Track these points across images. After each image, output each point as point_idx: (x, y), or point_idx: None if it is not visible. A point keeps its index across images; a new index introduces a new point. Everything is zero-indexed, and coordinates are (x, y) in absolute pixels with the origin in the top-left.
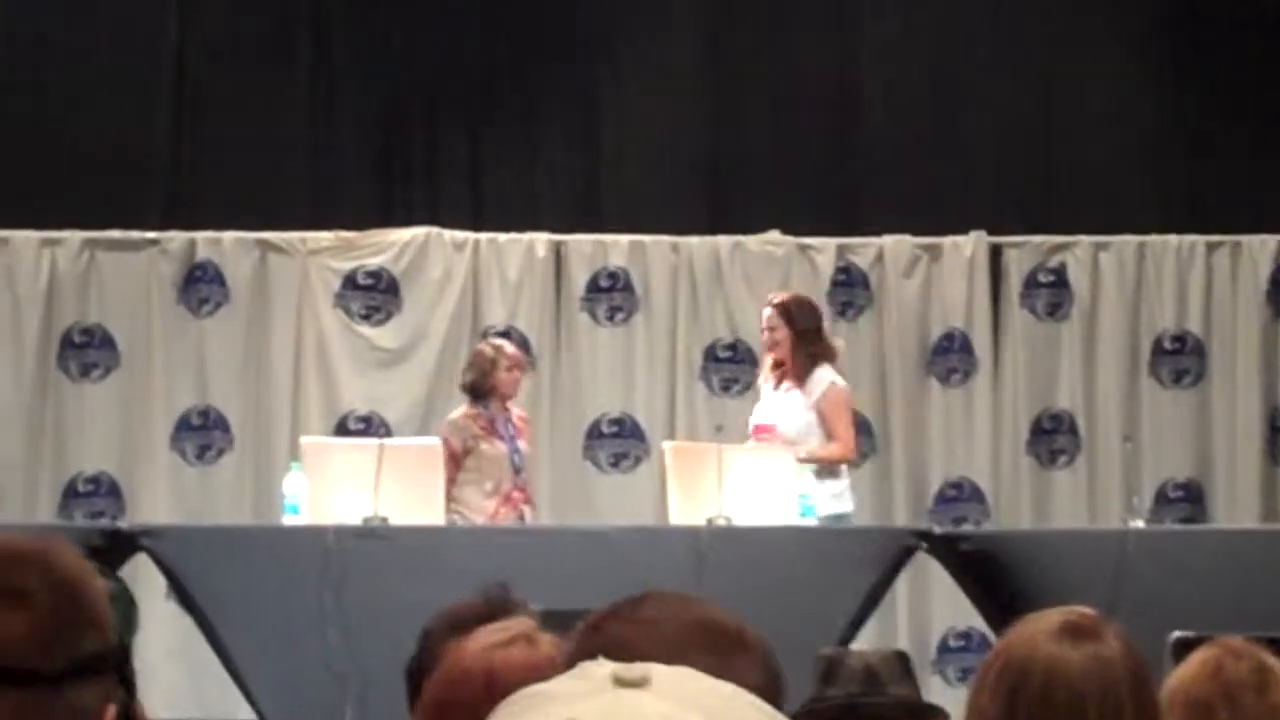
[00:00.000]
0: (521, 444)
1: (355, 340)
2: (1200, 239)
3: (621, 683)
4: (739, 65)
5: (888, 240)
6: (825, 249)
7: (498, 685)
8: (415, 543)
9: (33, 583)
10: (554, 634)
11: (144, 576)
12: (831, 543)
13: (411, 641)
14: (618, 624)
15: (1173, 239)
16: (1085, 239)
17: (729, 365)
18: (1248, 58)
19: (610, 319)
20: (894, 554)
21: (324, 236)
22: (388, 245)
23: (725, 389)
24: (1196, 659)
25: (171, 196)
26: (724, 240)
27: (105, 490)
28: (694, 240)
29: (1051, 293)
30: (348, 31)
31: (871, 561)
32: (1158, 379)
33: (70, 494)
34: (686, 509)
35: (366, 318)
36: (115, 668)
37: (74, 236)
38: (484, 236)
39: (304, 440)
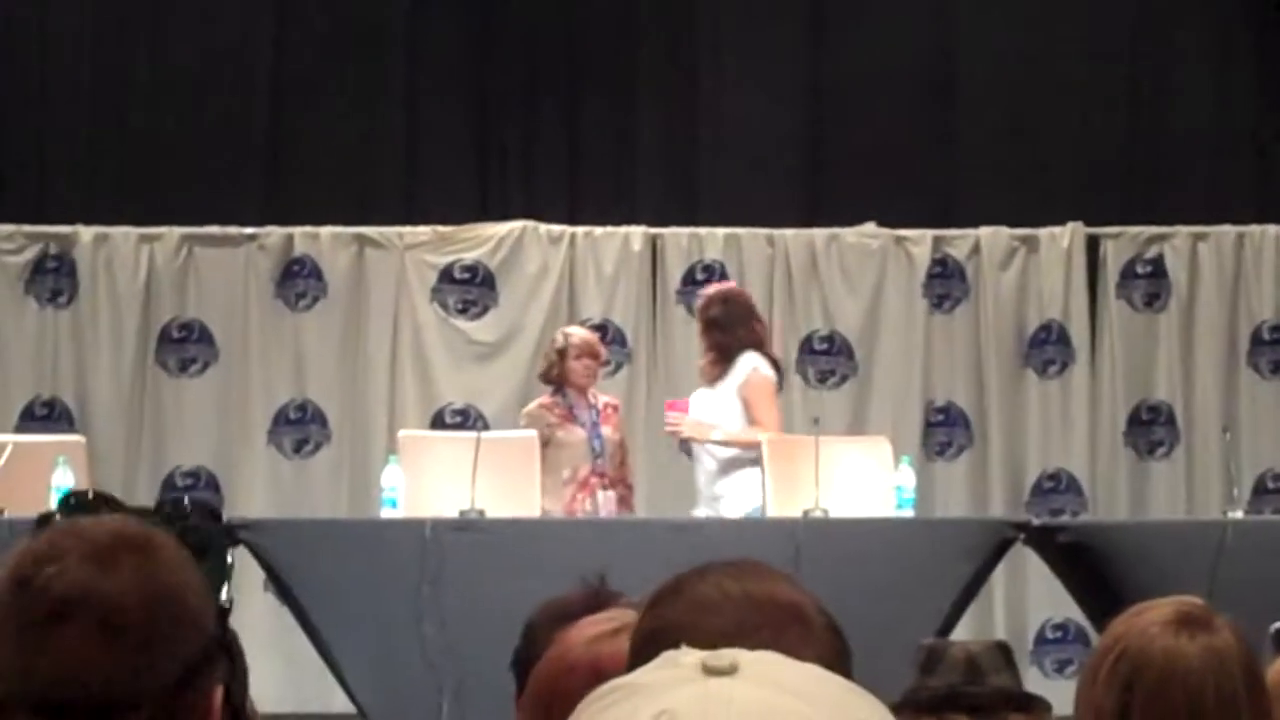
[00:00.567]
0: (606, 430)
1: (452, 334)
2: None
3: (710, 671)
4: (835, 57)
5: (984, 232)
6: (921, 241)
7: (604, 677)
8: (512, 535)
9: (130, 602)
10: None
11: (242, 569)
12: (929, 534)
13: (508, 634)
14: (671, 607)
15: (1272, 228)
16: (1183, 229)
17: (825, 357)
18: None
19: None
20: (992, 545)
21: (421, 231)
22: (484, 239)
23: (821, 381)
24: None
25: (269, 191)
26: (819, 233)
27: (204, 484)
28: (789, 233)
29: (1149, 283)
30: (443, 26)
31: (969, 553)
32: (1256, 369)
33: (169, 488)
34: (783, 500)
35: (463, 311)
36: (218, 642)
37: (172, 232)
38: (580, 230)
39: (401, 434)
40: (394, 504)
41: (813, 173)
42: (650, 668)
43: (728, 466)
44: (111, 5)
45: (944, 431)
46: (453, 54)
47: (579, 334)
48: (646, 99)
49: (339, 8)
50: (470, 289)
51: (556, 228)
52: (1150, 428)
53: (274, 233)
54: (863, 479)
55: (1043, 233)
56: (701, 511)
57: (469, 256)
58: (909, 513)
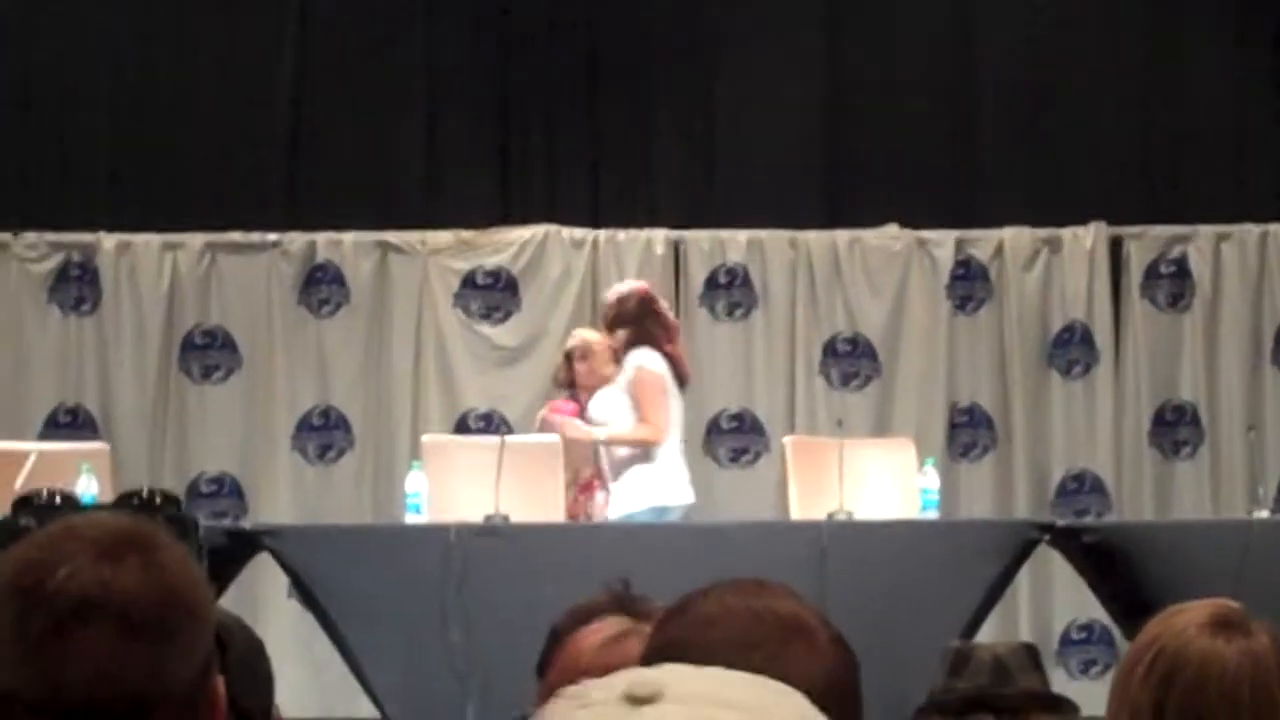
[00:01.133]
0: None
1: (475, 339)
2: None
3: (635, 700)
4: (855, 58)
5: (1007, 232)
6: (944, 242)
7: None
8: (537, 540)
9: (146, 599)
10: None
11: (267, 575)
12: (954, 536)
13: (533, 639)
14: (677, 624)
15: None
16: (1206, 228)
17: (849, 359)
18: None
19: (730, 315)
20: (1017, 546)
21: (443, 236)
22: (506, 244)
23: (845, 383)
24: None
25: (291, 196)
26: (842, 235)
27: (228, 490)
28: (811, 235)
29: (1173, 283)
30: (463, 32)
31: (995, 554)
32: None
33: (193, 494)
34: (808, 504)
35: (486, 316)
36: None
37: (195, 239)
38: (602, 234)
39: (425, 439)
40: (419, 509)
41: (833, 174)
42: (573, 703)
43: (619, 466)
44: (134, 13)
45: (968, 433)
46: (473, 59)
47: (579, 336)
48: (666, 101)
49: (359, 14)
50: (493, 294)
51: (579, 231)
52: (1175, 427)
53: (297, 239)
54: (887, 481)
55: (1065, 233)
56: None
57: (491, 261)
58: (934, 514)
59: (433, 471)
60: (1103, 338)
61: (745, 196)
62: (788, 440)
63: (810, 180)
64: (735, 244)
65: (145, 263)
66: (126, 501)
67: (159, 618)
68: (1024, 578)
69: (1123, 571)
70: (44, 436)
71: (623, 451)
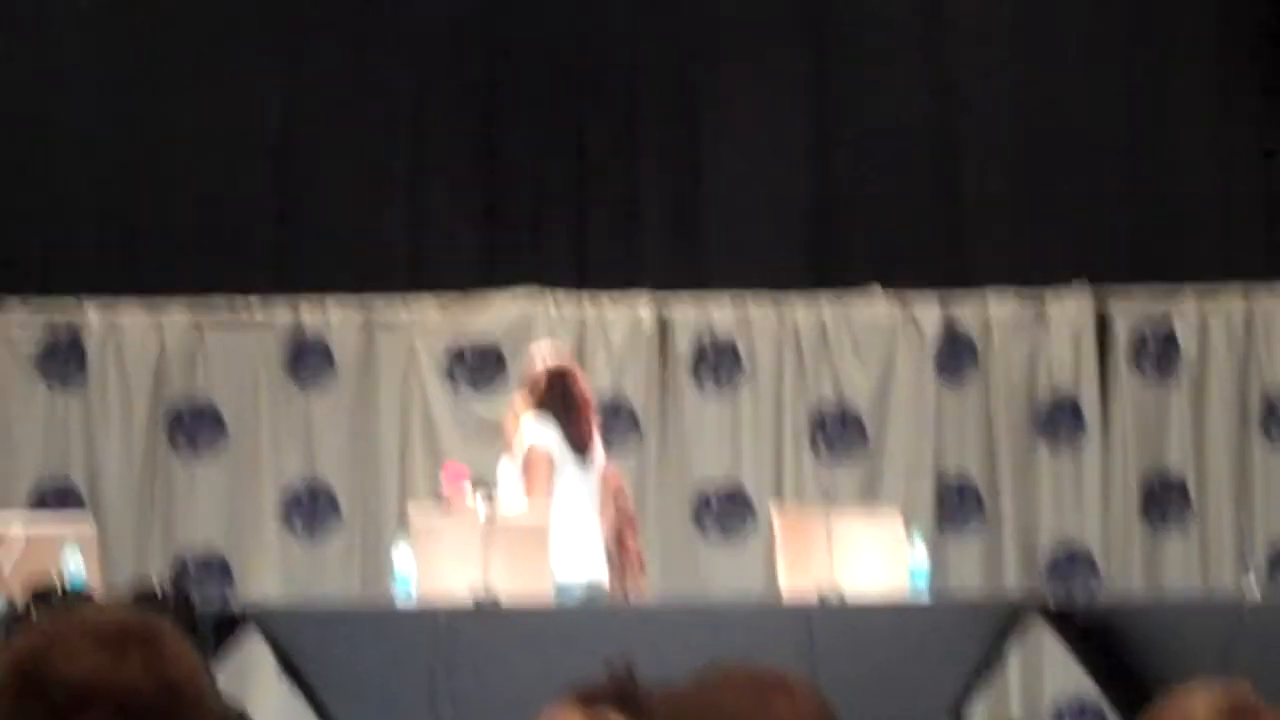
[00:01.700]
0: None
1: (462, 412)
2: None
3: None
4: (837, 118)
5: (991, 300)
6: (929, 312)
7: None
8: (527, 621)
9: (145, 690)
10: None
11: (255, 654)
12: (946, 616)
13: None
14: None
15: None
16: (1191, 289)
17: (836, 430)
18: None
19: (717, 386)
20: (1008, 626)
21: (428, 306)
22: (492, 316)
23: (832, 453)
24: None
25: (276, 258)
26: (828, 306)
27: (215, 566)
28: (799, 305)
29: (1159, 352)
30: (449, 93)
31: (986, 634)
32: (1268, 436)
33: (179, 571)
34: (795, 575)
35: (473, 388)
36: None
37: (181, 316)
38: (587, 302)
39: (410, 505)
40: (408, 591)
41: (817, 234)
42: None
43: None
44: (116, 73)
45: (956, 504)
46: (459, 120)
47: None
48: (652, 162)
49: (345, 75)
50: (479, 365)
51: (565, 295)
52: (1163, 498)
53: (283, 314)
54: (876, 553)
55: (1051, 300)
56: None
57: (477, 333)
58: (923, 591)
59: (419, 543)
60: (1089, 408)
61: (729, 255)
62: (775, 511)
63: (794, 240)
64: (721, 313)
65: (132, 337)
66: (141, 599)
67: (158, 709)
68: (1013, 651)
69: (1115, 651)
70: (30, 510)
71: None
